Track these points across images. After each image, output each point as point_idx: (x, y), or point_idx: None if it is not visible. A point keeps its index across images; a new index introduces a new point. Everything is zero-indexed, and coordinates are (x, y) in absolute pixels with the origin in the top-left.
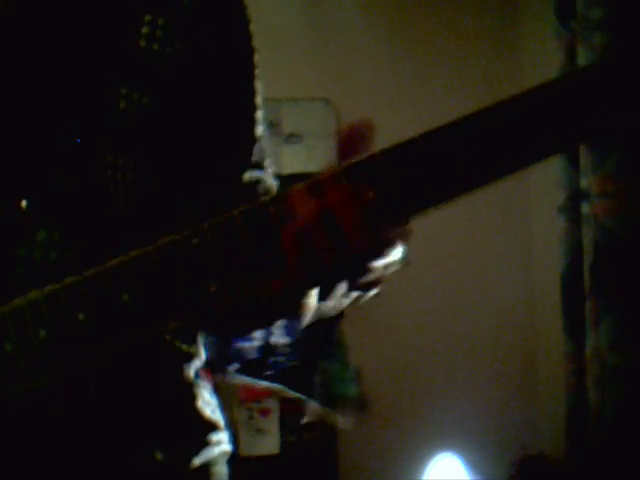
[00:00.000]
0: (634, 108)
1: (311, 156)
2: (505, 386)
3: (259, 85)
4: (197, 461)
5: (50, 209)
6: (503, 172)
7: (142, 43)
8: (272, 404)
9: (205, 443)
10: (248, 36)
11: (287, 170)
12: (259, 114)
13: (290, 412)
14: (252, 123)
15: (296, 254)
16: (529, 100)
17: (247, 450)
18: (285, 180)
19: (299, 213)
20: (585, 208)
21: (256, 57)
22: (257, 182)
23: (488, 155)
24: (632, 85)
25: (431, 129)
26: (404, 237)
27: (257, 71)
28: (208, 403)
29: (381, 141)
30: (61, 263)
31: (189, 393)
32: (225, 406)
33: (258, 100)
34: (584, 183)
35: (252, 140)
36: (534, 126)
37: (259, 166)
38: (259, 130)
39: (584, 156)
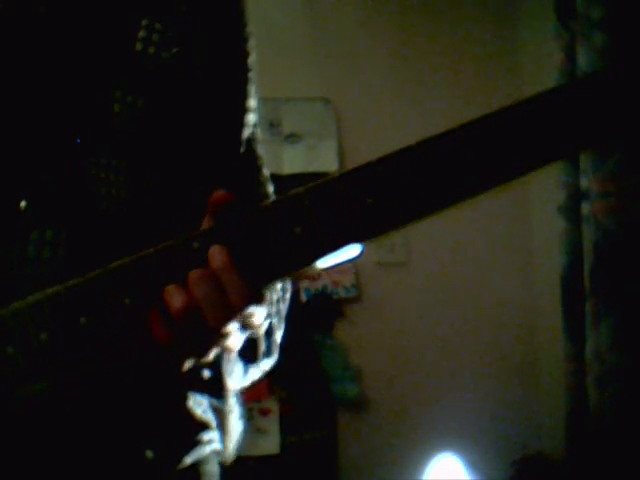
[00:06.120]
0: (634, 117)
1: (311, 156)
2: (505, 386)
3: (252, 88)
4: (188, 460)
5: (44, 209)
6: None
7: (138, 47)
8: (272, 404)
9: (196, 442)
10: (244, 40)
11: (287, 170)
12: (250, 117)
13: (290, 412)
14: (240, 126)
15: None
16: (513, 112)
17: (247, 450)
18: (285, 180)
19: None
20: (585, 208)
21: (250, 60)
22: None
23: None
24: (632, 94)
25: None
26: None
27: (251, 74)
28: (199, 403)
29: (381, 141)
30: (54, 261)
31: (180, 393)
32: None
33: (250, 103)
34: (584, 183)
35: (238, 143)
36: (514, 140)
37: (253, 169)
38: (247, 133)
39: (584, 156)
